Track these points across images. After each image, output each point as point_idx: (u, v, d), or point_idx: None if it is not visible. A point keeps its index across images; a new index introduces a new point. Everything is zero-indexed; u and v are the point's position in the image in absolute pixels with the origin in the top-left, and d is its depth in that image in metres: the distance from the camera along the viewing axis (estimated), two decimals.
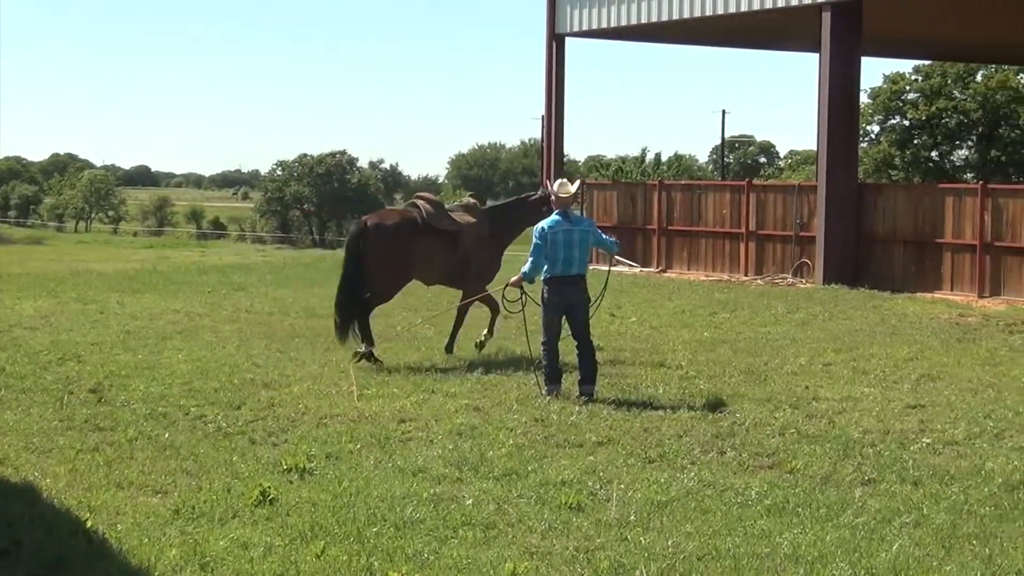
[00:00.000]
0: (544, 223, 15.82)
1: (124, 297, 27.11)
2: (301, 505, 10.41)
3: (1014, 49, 43.62)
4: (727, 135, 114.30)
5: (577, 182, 16.96)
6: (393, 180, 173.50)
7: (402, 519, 9.98)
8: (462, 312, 19.32)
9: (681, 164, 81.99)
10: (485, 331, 19.04)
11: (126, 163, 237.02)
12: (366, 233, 18.56)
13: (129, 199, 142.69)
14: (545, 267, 15.59)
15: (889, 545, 9.36)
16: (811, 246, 32.06)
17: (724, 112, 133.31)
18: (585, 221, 16.18)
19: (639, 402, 14.91)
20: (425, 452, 12.33)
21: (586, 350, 15.58)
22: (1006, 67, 74.89)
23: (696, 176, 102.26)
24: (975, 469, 11.72)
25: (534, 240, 15.71)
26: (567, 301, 15.65)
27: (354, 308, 18.40)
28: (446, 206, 19.50)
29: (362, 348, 18.06)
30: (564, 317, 15.76)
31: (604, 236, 16.27)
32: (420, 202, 19.12)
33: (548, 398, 15.18)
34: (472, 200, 19.90)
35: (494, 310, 18.95)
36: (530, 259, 15.70)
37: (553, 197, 16.10)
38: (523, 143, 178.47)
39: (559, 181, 16.38)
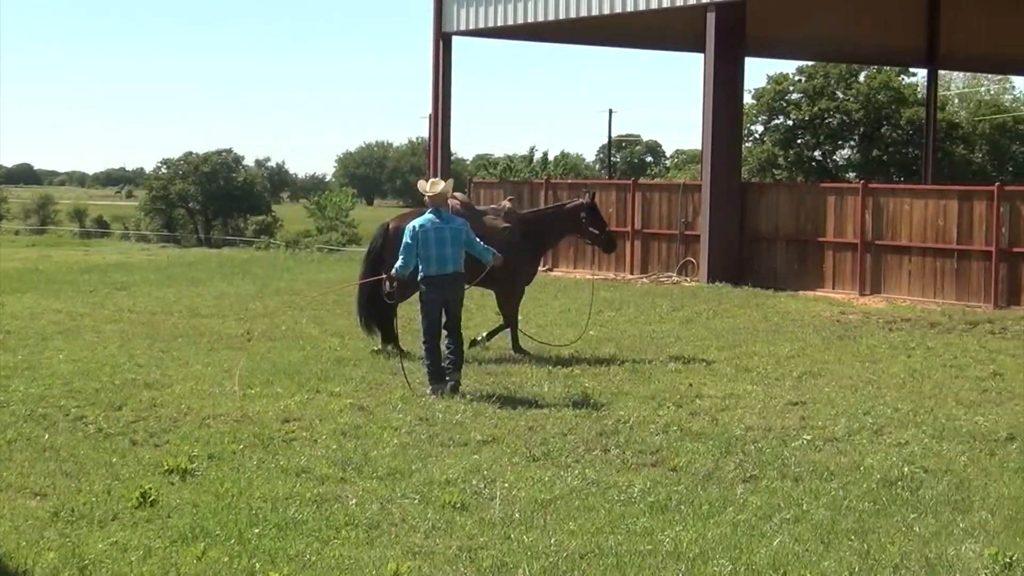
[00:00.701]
0: (416, 221, 15.92)
1: (4, 296, 26.72)
2: (182, 506, 10.31)
3: (895, 51, 44.20)
4: (614, 134, 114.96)
5: (445, 181, 16.91)
6: (280, 179, 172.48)
7: (285, 520, 9.92)
8: (508, 317, 19.45)
9: (568, 163, 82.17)
10: (486, 333, 19.52)
11: (8, 161, 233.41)
12: (387, 236, 18.98)
13: (11, 197, 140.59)
14: (421, 266, 15.68)
15: (769, 541, 9.44)
16: (696, 245, 32.30)
17: (611, 111, 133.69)
18: (458, 220, 16.17)
19: (524, 401, 14.94)
20: (309, 452, 12.27)
21: (455, 340, 15.79)
22: (887, 68, 75.91)
23: (583, 175, 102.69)
24: (854, 465, 11.86)
25: (404, 239, 15.80)
26: (444, 298, 15.77)
27: (372, 309, 18.75)
28: (479, 208, 19.63)
29: (377, 347, 18.66)
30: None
31: (478, 243, 16.31)
32: (451, 202, 19.10)
33: (432, 397, 15.18)
34: (507, 204, 19.76)
35: (507, 323, 19.32)
36: (401, 256, 15.80)
37: (426, 196, 16.19)
38: (411, 142, 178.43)
39: (431, 180, 16.48)
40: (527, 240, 19.27)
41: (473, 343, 18.78)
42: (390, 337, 18.75)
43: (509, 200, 20.13)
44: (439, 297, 15.77)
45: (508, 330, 19.25)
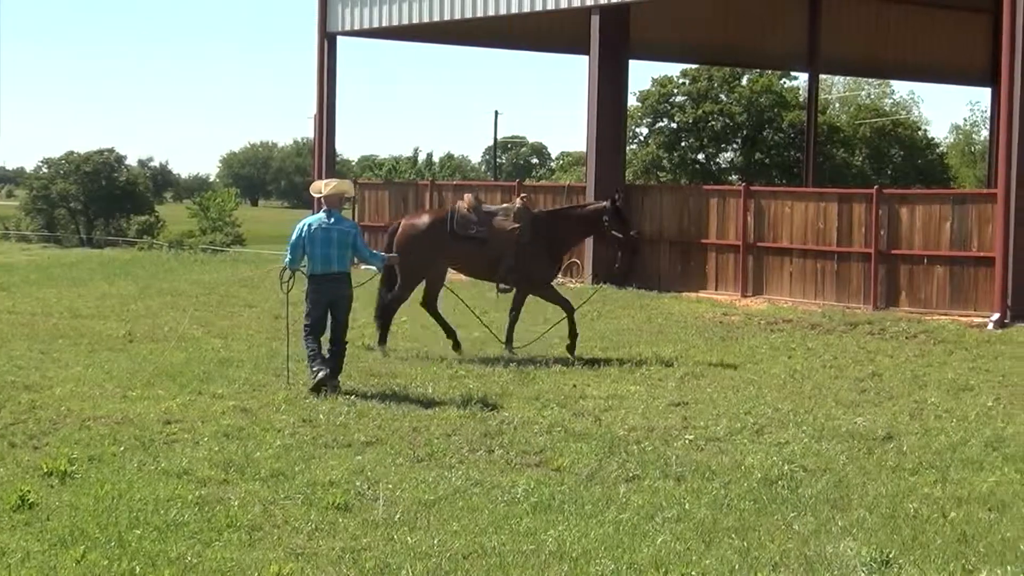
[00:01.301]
0: (307, 219, 16.13)
1: None
2: (61, 509, 10.18)
3: (777, 55, 44.69)
4: (500, 136, 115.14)
5: (327, 181, 17.12)
6: (163, 179, 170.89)
7: (165, 522, 9.83)
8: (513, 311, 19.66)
9: (453, 164, 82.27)
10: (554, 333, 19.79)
11: None
12: (396, 233, 19.44)
13: None
14: (308, 265, 15.95)
15: (651, 540, 9.52)
16: (580, 247, 32.40)
17: (497, 113, 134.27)
18: (347, 223, 16.30)
19: (409, 402, 14.93)
20: (191, 454, 12.17)
21: (337, 349, 15.90)
22: (770, 72, 76.70)
23: (469, 176, 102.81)
24: (735, 464, 11.99)
25: (292, 235, 16.05)
26: (328, 298, 15.88)
27: (380, 306, 19.47)
28: (491, 208, 19.60)
29: (377, 347, 19.07)
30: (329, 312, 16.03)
31: (365, 247, 16.50)
32: (459, 203, 19.49)
33: (321, 375, 15.41)
34: (519, 204, 19.56)
35: (565, 310, 19.46)
36: (288, 251, 16.14)
37: (319, 196, 16.48)
38: (296, 142, 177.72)
39: (325, 181, 16.75)
40: (540, 240, 19.23)
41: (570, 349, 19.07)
42: (383, 336, 19.35)
43: (522, 198, 19.94)
44: (323, 297, 15.88)
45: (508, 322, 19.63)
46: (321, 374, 15.44)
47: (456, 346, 19.11)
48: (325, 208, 16.14)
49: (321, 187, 16.56)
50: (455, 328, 19.38)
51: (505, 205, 19.97)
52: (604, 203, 19.67)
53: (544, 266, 19.57)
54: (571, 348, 18.96)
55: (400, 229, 19.51)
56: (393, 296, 19.38)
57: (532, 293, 19.56)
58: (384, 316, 19.45)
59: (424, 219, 19.78)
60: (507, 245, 19.11)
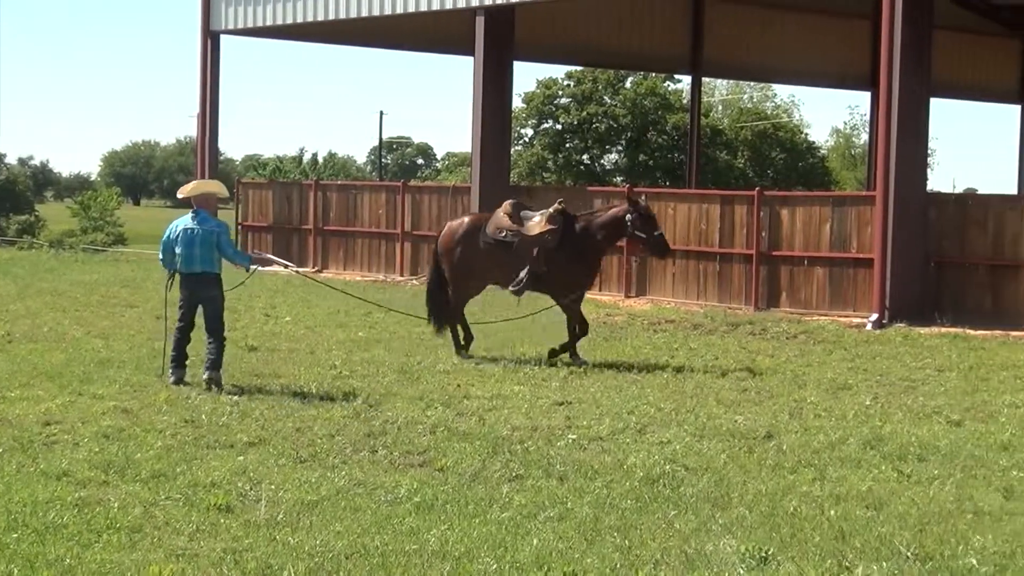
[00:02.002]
0: (177, 220, 16.44)
1: None
2: None
3: (660, 58, 45.01)
4: (385, 136, 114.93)
5: (193, 183, 17.31)
6: (44, 177, 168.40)
7: (44, 524, 9.71)
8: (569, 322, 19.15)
9: (337, 164, 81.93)
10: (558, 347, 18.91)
11: None
12: (439, 237, 19.67)
13: None
14: (176, 264, 16.26)
15: (534, 539, 9.55)
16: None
17: (382, 113, 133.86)
18: (213, 223, 16.37)
19: (292, 402, 14.86)
20: (70, 455, 12.03)
21: (213, 345, 16.04)
22: (654, 75, 77.26)
23: (355, 176, 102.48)
24: (618, 463, 12.06)
25: (163, 236, 16.46)
26: (195, 298, 16.21)
27: (435, 310, 19.55)
28: (530, 213, 19.22)
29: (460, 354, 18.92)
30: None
31: (230, 247, 16.55)
32: (499, 209, 19.31)
33: (172, 380, 15.78)
34: (556, 209, 18.92)
35: (576, 324, 19.01)
36: (160, 250, 16.55)
37: (180, 195, 16.81)
38: (179, 141, 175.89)
39: (194, 183, 17.03)
40: (571, 245, 18.80)
41: (552, 354, 18.78)
42: (456, 342, 19.27)
43: (559, 202, 19.23)
44: (189, 295, 16.24)
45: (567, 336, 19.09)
46: (173, 379, 15.89)
47: (462, 349, 19.14)
48: (193, 209, 16.36)
49: (188, 189, 16.80)
50: (473, 336, 19.46)
51: (546, 210, 19.25)
52: (626, 205, 18.92)
53: (576, 273, 19.09)
54: (553, 353, 18.72)
55: (442, 232, 19.74)
56: (452, 305, 19.44)
57: (555, 300, 19.28)
58: (450, 325, 19.44)
59: (463, 221, 19.76)
60: (531, 250, 18.74)
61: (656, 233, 18.76)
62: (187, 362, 16.25)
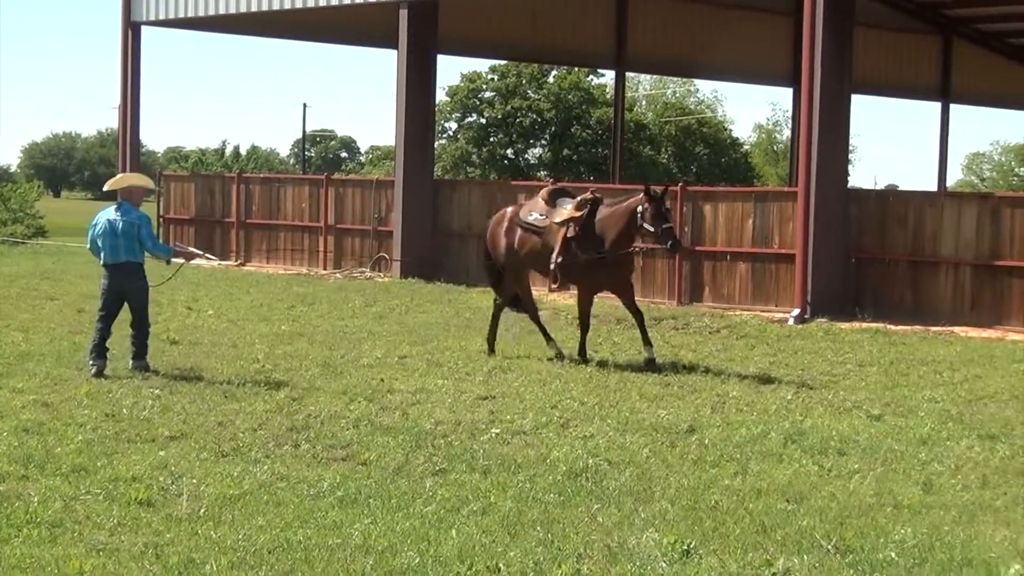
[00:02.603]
0: (101, 212, 16.76)
1: None
2: None
3: (585, 53, 45.14)
4: (309, 129, 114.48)
5: (117, 177, 17.77)
6: None
7: None
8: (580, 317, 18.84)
9: (259, 156, 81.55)
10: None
11: None
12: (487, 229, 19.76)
13: None
14: (101, 254, 16.63)
15: (457, 533, 9.56)
16: (389, 240, 32.45)
17: (305, 106, 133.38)
18: (135, 214, 16.60)
19: (214, 396, 14.78)
20: None
21: (137, 334, 16.52)
22: (578, 69, 77.46)
23: (278, 169, 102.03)
24: (541, 458, 12.08)
25: (89, 227, 16.84)
26: (118, 287, 16.53)
27: (512, 305, 19.61)
28: (561, 200, 18.70)
29: (553, 352, 18.67)
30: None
31: (150, 239, 16.69)
32: (539, 194, 19.06)
33: (93, 371, 15.97)
34: (585, 198, 18.25)
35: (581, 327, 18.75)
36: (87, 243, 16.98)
37: (106, 188, 17.29)
38: (100, 133, 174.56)
39: (119, 176, 17.58)
40: (589, 238, 18.05)
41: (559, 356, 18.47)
42: (547, 335, 19.09)
43: (593, 191, 18.48)
44: (113, 284, 16.52)
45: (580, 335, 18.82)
46: (94, 370, 16.04)
47: (491, 351, 18.95)
48: (118, 201, 16.71)
49: (113, 182, 17.17)
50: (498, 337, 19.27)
51: (578, 198, 18.56)
52: (640, 196, 17.67)
53: (585, 267, 18.21)
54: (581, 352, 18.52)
55: (494, 221, 19.67)
56: (523, 299, 19.45)
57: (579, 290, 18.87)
58: (532, 319, 19.50)
59: (505, 210, 19.58)
60: (556, 237, 18.27)
61: (664, 227, 17.44)
62: (108, 354, 16.27)
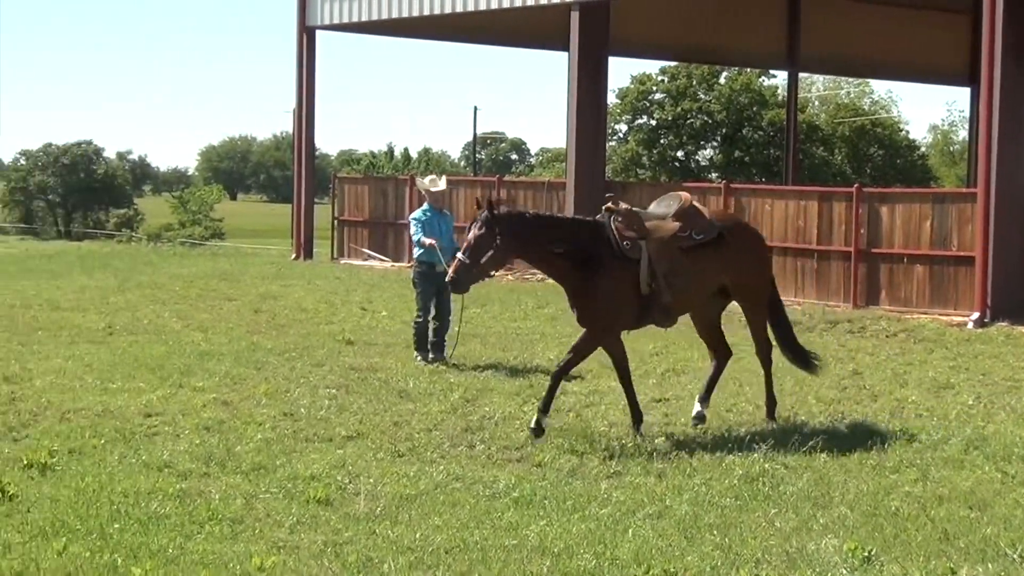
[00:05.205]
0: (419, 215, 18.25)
1: None
2: (42, 501, 10.15)
3: (756, 53, 44.74)
4: (479, 132, 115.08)
5: (431, 177, 19.06)
6: (142, 172, 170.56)
7: (147, 515, 9.81)
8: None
9: (430, 159, 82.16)
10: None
11: None
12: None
13: None
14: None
15: (633, 536, 9.52)
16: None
17: (476, 109, 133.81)
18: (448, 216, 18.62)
19: (390, 397, 14.91)
20: (171, 447, 12.14)
21: (445, 327, 18.20)
22: (749, 70, 76.83)
23: (448, 172, 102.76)
24: (716, 461, 11.98)
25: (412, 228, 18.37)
26: (437, 286, 17.92)
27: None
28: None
29: None
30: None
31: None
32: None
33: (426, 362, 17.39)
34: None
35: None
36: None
37: (424, 192, 18.61)
38: (275, 136, 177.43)
39: (429, 178, 18.65)
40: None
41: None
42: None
43: (608, 196, 14.84)
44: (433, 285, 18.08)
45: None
46: (426, 361, 17.57)
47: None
48: (428, 204, 18.43)
49: (426, 183, 18.80)
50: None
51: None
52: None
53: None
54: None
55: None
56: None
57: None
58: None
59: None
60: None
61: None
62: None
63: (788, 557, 9.11)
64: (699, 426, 13.62)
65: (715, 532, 9.68)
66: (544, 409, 13.02)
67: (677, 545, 9.34)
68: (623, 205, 13.76)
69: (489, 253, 12.88)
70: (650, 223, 13.55)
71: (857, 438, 13.12)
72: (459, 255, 13.01)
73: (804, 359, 14.69)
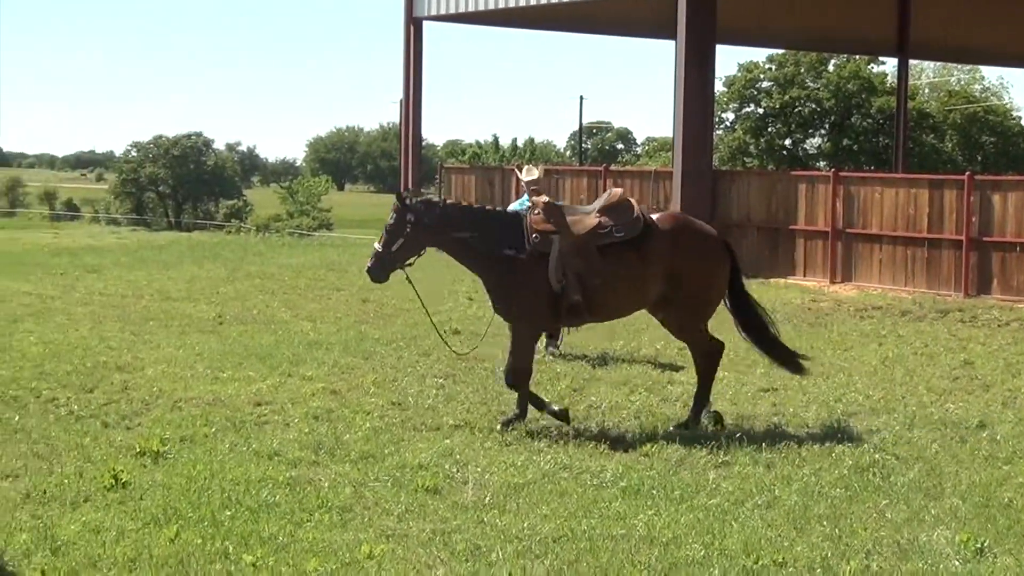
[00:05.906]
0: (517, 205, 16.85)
1: None
2: (154, 489, 10.29)
3: (866, 40, 44.33)
4: (585, 121, 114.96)
5: (528, 167, 16.93)
6: (251, 163, 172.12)
7: (257, 502, 9.90)
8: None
9: (536, 149, 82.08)
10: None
11: None
12: None
13: None
14: None
15: (742, 526, 9.47)
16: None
17: (582, 98, 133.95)
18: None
19: (496, 386, 14.91)
20: (281, 435, 12.25)
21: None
22: (857, 57, 76.08)
23: (555, 161, 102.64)
24: (826, 452, 11.89)
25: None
26: None
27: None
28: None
29: None
30: None
31: None
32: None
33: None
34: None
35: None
36: None
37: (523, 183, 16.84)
38: (382, 127, 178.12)
39: (526, 168, 16.80)
40: None
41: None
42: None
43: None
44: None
45: None
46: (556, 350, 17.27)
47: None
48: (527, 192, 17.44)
49: (522, 174, 16.83)
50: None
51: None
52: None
53: None
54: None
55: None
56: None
57: None
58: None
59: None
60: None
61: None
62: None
63: (899, 548, 9.02)
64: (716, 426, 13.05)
65: (825, 523, 9.61)
66: (541, 407, 13.09)
67: (786, 536, 9.29)
68: (544, 198, 13.72)
69: (400, 241, 13.09)
70: (570, 217, 13.29)
71: (969, 428, 12.97)
72: (375, 244, 13.17)
73: (787, 359, 14.02)
